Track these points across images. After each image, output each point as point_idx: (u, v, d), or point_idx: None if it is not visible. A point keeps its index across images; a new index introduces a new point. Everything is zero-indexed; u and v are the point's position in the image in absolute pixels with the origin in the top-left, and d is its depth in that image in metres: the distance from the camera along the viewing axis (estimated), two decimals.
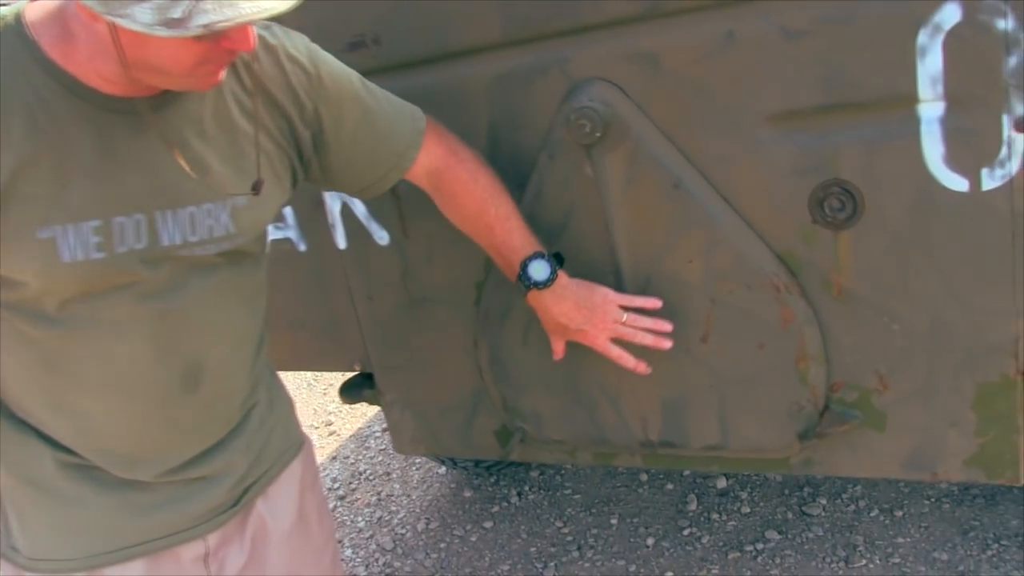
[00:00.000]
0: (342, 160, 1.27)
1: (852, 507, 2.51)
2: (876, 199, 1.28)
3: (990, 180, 1.21)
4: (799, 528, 2.47)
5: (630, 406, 1.56)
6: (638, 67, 1.35)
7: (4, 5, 1.01)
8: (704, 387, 1.48)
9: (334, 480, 3.30)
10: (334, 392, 3.38)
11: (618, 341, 1.40)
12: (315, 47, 1.23)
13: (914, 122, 1.23)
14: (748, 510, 2.60)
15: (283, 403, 1.39)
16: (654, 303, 1.41)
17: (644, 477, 2.87)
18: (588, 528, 2.68)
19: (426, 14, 1.46)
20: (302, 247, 1.78)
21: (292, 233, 1.78)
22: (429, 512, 2.96)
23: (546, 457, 1.72)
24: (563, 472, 3.00)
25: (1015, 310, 1.26)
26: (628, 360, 1.42)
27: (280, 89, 1.15)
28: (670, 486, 2.80)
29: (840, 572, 2.28)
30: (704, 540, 2.51)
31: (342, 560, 2.79)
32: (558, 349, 1.47)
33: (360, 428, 3.67)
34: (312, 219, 1.73)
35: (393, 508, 3.04)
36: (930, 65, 1.19)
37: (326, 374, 3.98)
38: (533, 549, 2.64)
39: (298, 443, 1.40)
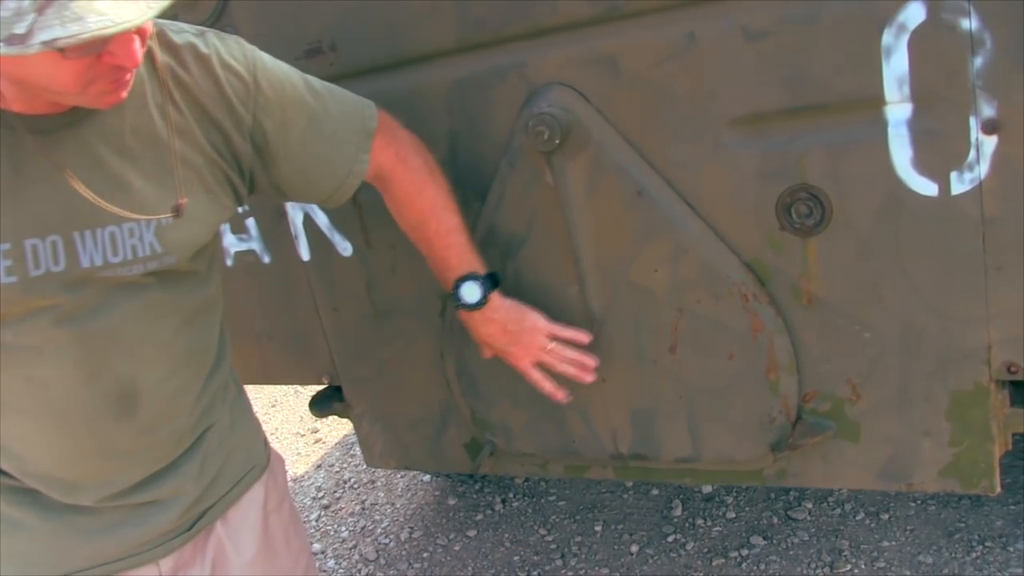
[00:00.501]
0: (295, 170, 1.21)
1: (838, 511, 2.47)
2: (844, 204, 1.25)
3: (959, 184, 1.18)
4: (784, 533, 2.43)
5: (599, 418, 1.52)
6: (598, 71, 1.31)
7: None
8: (673, 399, 1.45)
9: (319, 489, 3.26)
10: None
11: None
12: (255, 52, 1.16)
13: (881, 124, 1.19)
14: (733, 515, 2.56)
15: (246, 423, 1.35)
16: (583, 337, 1.40)
17: (629, 483, 2.83)
18: (572, 536, 2.64)
19: (382, 19, 1.42)
20: (266, 259, 1.74)
21: (256, 245, 1.74)
22: (413, 521, 2.93)
23: (517, 470, 1.69)
24: (548, 479, 2.96)
25: (987, 317, 1.22)
26: (546, 385, 1.41)
27: (213, 101, 1.10)
28: (655, 491, 2.77)
29: None
30: (688, 547, 2.48)
31: (324, 573, 2.75)
32: (487, 354, 1.45)
33: (346, 435, 3.63)
34: (275, 230, 1.69)
35: (377, 517, 3.00)
36: (896, 66, 1.15)
37: None
38: (516, 558, 2.61)
39: (262, 464, 1.36)
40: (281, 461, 1.42)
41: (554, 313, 1.43)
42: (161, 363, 1.12)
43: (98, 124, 1.02)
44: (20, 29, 0.79)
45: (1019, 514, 2.27)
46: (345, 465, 3.41)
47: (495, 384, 1.58)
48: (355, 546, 2.87)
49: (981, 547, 2.21)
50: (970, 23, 1.09)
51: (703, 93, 1.26)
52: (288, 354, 1.82)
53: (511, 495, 2.93)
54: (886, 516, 2.40)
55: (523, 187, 1.40)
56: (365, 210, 1.57)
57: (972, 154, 1.15)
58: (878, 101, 1.18)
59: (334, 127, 1.22)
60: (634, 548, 2.52)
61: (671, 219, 1.33)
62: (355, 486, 3.24)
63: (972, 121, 1.14)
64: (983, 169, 1.15)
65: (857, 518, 2.42)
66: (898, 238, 1.23)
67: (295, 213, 1.65)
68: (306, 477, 3.38)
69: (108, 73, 0.91)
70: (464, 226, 1.34)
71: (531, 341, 1.38)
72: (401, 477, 3.20)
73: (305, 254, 1.67)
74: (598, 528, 2.65)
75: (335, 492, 3.22)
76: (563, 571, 2.50)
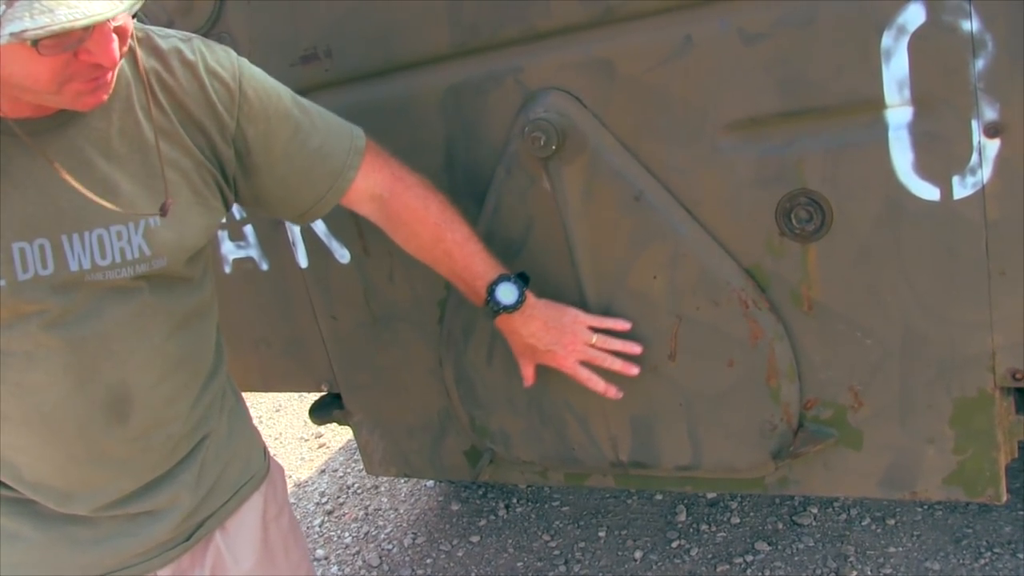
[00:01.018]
0: (275, 181, 1.20)
1: (844, 516, 2.45)
2: (845, 209, 1.23)
3: (961, 188, 1.16)
4: (789, 539, 2.41)
5: (599, 426, 1.50)
6: (594, 75, 1.29)
7: None
8: (673, 406, 1.43)
9: (322, 494, 3.25)
10: None
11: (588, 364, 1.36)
12: (243, 62, 1.16)
13: (881, 128, 1.17)
14: (738, 520, 2.54)
15: (244, 433, 1.34)
16: (623, 325, 1.37)
17: (633, 489, 2.81)
18: (575, 541, 2.62)
19: (377, 24, 1.40)
20: (264, 266, 1.73)
21: (254, 252, 1.73)
22: (416, 526, 2.91)
23: (517, 478, 1.67)
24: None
25: (990, 322, 1.20)
26: (599, 384, 1.37)
27: (198, 104, 1.09)
28: (659, 497, 2.74)
29: None
30: (693, 552, 2.46)
31: None
32: (528, 374, 1.41)
33: (349, 440, 3.62)
34: (273, 238, 1.68)
35: (380, 523, 2.99)
36: (896, 68, 1.14)
37: None
38: (520, 564, 2.59)
39: (261, 474, 1.35)
40: (281, 471, 1.41)
41: None
42: (152, 368, 1.10)
43: (84, 127, 1.01)
44: None
45: None
46: (349, 470, 3.40)
47: (493, 391, 1.56)
48: (358, 552, 2.86)
49: (990, 553, 2.18)
50: (971, 24, 1.07)
51: (700, 97, 1.25)
52: (287, 361, 1.82)
53: (515, 500, 2.91)
54: (892, 521, 2.37)
55: (520, 193, 1.39)
56: (363, 218, 1.55)
57: (974, 158, 1.13)
58: (878, 104, 1.16)
59: (320, 141, 1.21)
60: (638, 554, 2.50)
61: (669, 225, 1.32)
62: (359, 491, 3.23)
63: (974, 124, 1.12)
64: (986, 173, 1.14)
65: (863, 523, 2.40)
66: (899, 243, 1.21)
67: None
68: (310, 482, 3.37)
69: (86, 72, 0.90)
70: (475, 232, 1.32)
71: (575, 336, 1.34)
72: (405, 483, 3.19)
73: (303, 261, 1.66)
74: (602, 534, 2.63)
75: (339, 497, 3.21)
76: None
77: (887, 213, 1.21)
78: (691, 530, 2.55)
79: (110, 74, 0.94)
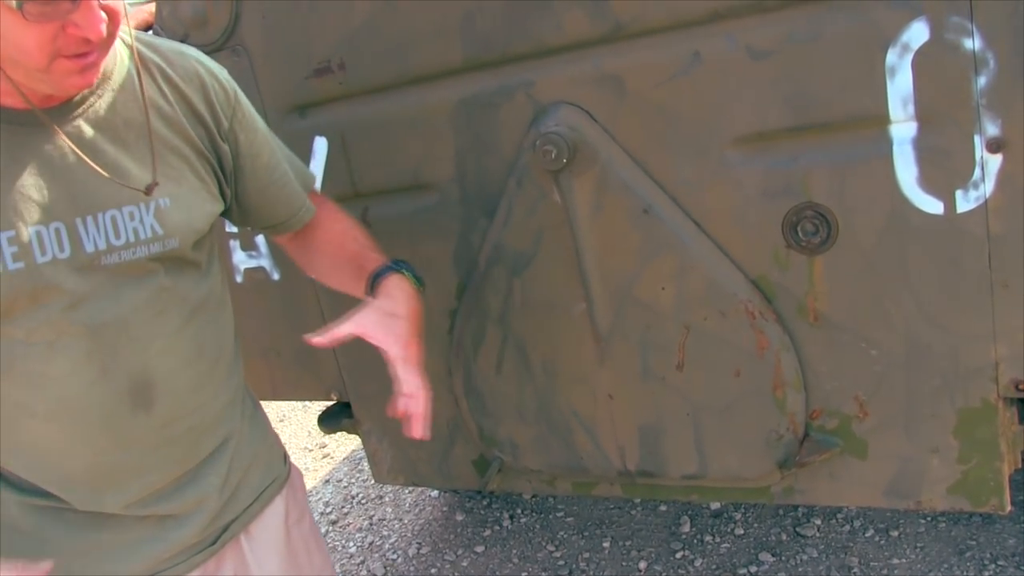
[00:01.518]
0: (257, 188, 1.25)
1: (847, 527, 2.46)
2: (850, 222, 1.25)
3: (964, 202, 1.18)
4: (793, 550, 2.42)
5: (606, 435, 1.52)
6: (604, 90, 1.32)
7: None
8: (680, 415, 1.45)
9: (327, 504, 3.26)
10: None
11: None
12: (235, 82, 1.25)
13: (886, 143, 1.20)
14: (742, 531, 2.55)
15: (265, 437, 1.36)
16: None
17: (637, 499, 2.83)
18: (580, 552, 2.63)
19: (390, 38, 1.43)
20: (275, 276, 1.75)
21: (265, 262, 1.76)
22: (421, 536, 2.92)
23: (525, 487, 1.69)
24: (556, 495, 2.95)
25: (993, 334, 1.22)
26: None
27: (197, 97, 1.15)
28: (663, 507, 2.76)
29: None
30: (697, 563, 2.47)
31: None
32: (355, 328, 1.20)
33: (354, 451, 3.63)
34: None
35: (385, 532, 3.00)
36: (900, 85, 1.16)
37: None
38: (524, 574, 2.60)
39: (282, 478, 1.36)
40: (300, 476, 1.43)
41: (561, 330, 1.43)
42: (173, 355, 1.12)
43: (92, 115, 1.05)
44: None
45: None
46: (353, 480, 3.41)
47: (502, 401, 1.58)
48: (363, 562, 2.87)
49: (994, 566, 2.19)
50: (973, 43, 1.10)
51: (709, 112, 1.27)
52: (297, 370, 1.83)
53: (519, 511, 2.92)
54: (896, 533, 2.38)
55: (530, 205, 1.41)
56: (374, 227, 1.58)
57: (977, 172, 1.16)
58: (882, 120, 1.19)
59: (292, 164, 1.31)
60: (642, 565, 2.51)
61: (677, 237, 1.34)
62: (363, 501, 3.24)
63: (976, 140, 1.14)
64: (988, 187, 1.16)
65: (867, 535, 2.41)
66: (904, 256, 1.24)
67: None
68: (314, 492, 3.38)
69: (74, 46, 0.93)
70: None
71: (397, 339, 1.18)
72: (409, 493, 3.20)
73: None
74: (606, 544, 2.64)
75: (343, 507, 3.22)
76: None
77: (892, 226, 1.23)
78: (695, 541, 2.56)
79: (96, 55, 0.97)
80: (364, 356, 1.72)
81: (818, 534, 2.46)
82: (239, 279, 1.78)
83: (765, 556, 2.42)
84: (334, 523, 3.13)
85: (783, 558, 2.40)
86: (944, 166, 1.17)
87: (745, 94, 1.24)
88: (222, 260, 1.32)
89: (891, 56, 1.15)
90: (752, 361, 1.36)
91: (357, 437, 3.73)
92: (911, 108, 1.17)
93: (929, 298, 1.24)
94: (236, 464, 1.24)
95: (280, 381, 1.87)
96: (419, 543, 2.88)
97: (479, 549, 2.77)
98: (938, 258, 1.22)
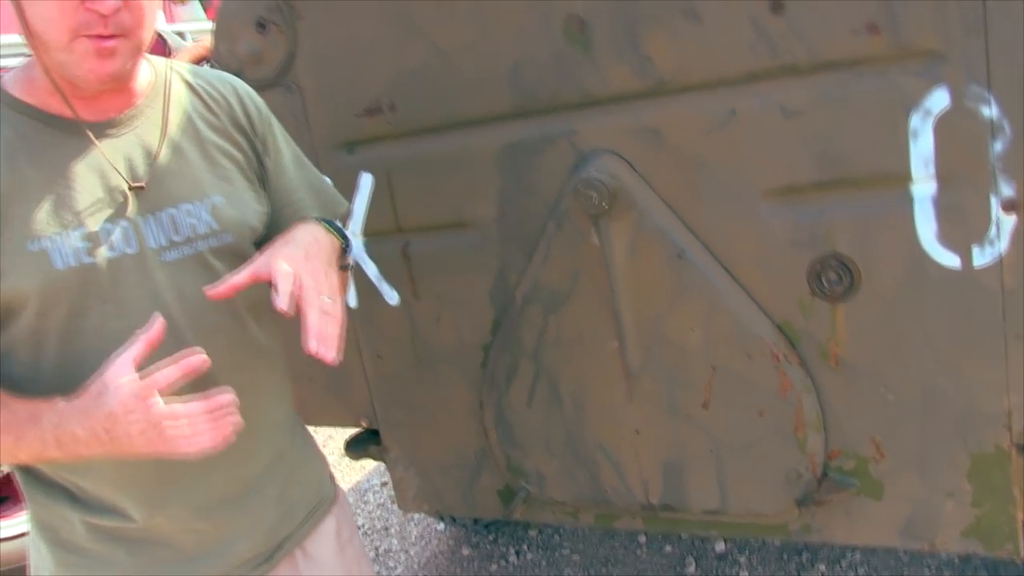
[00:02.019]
0: (275, 207, 1.30)
1: (852, 574, 2.49)
2: (872, 273, 1.33)
3: (981, 257, 1.26)
4: None
5: (631, 469, 1.58)
6: (644, 141, 1.41)
7: None
8: (704, 452, 1.51)
9: None
10: (333, 444, 3.39)
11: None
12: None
13: (908, 200, 1.28)
14: (746, 574, 2.58)
15: (315, 457, 1.41)
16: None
17: (643, 539, 2.86)
18: None
19: (439, 83, 1.52)
20: None
21: None
22: (427, 569, 2.94)
23: (548, 518, 1.74)
24: (561, 532, 2.98)
25: (1007, 383, 1.29)
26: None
27: (239, 109, 1.25)
28: (668, 548, 2.79)
29: None
30: None
31: None
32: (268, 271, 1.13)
33: (359, 481, 3.65)
34: None
35: (391, 564, 3.02)
36: (922, 146, 1.25)
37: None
38: None
39: (331, 497, 1.41)
40: (344, 496, 1.47)
41: (592, 367, 1.50)
42: (232, 351, 1.18)
43: (150, 125, 1.16)
44: None
45: None
46: (359, 511, 3.43)
47: (531, 433, 1.64)
48: None
49: None
50: (991, 110, 1.19)
51: (741, 165, 1.36)
52: (328, 396, 1.89)
53: (525, 547, 2.95)
54: None
55: (569, 246, 1.49)
56: (413, 261, 1.65)
57: (992, 230, 1.24)
58: (905, 178, 1.27)
59: (315, 196, 1.34)
60: None
61: (708, 281, 1.42)
62: (369, 532, 3.26)
63: (992, 200, 1.23)
64: (1003, 244, 1.24)
65: None
66: (922, 306, 1.31)
67: None
68: None
69: (93, 23, 1.01)
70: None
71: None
72: (415, 525, 3.22)
73: (353, 301, 1.75)
74: None
75: None
76: None
77: (911, 278, 1.31)
78: None
79: (115, 43, 1.05)
80: (397, 386, 1.79)
81: None
82: None
83: None
84: None
85: None
86: (962, 223, 1.26)
87: (776, 150, 1.33)
88: None
89: (914, 119, 1.24)
90: (775, 402, 1.43)
91: (363, 468, 3.76)
92: (932, 168, 1.25)
93: (945, 347, 1.32)
94: (292, 478, 1.29)
95: (311, 406, 1.92)
96: None
97: None
98: (955, 309, 1.29)
